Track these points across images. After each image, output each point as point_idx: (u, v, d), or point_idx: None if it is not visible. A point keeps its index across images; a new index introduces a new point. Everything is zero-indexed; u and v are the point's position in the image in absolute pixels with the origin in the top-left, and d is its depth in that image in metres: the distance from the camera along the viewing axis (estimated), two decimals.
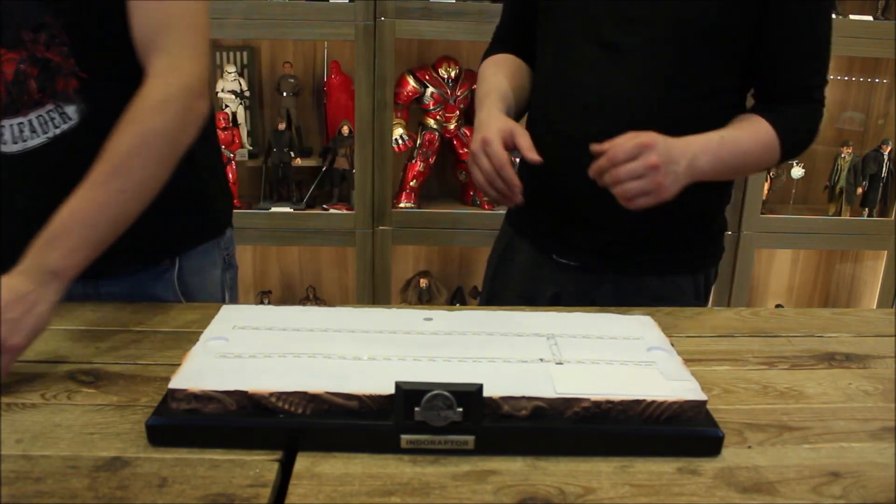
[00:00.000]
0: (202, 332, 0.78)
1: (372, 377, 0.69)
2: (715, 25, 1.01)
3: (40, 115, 0.90)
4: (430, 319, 0.84)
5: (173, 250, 1.04)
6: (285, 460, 0.65)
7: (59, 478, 0.61)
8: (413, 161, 2.13)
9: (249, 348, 0.74)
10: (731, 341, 0.94)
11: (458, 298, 2.32)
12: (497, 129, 1.02)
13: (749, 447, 0.69)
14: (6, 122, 0.90)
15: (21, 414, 0.71)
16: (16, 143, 0.91)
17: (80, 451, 0.65)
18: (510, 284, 1.23)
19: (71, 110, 0.91)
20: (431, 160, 2.14)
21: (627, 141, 0.91)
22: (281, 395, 0.66)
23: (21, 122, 0.90)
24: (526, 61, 1.19)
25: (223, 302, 1.11)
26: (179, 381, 0.67)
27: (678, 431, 0.67)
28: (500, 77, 1.16)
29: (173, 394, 0.67)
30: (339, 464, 0.64)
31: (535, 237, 1.20)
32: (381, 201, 2.05)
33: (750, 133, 1.03)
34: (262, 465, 0.63)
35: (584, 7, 1.06)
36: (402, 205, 2.12)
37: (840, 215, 2.23)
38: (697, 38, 1.02)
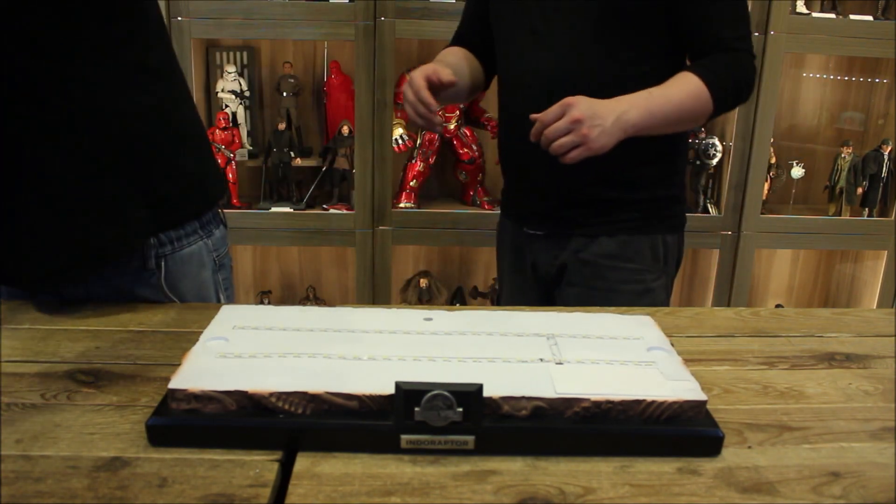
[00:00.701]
0: (202, 332, 0.78)
1: (372, 377, 0.69)
2: (630, 7, 1.17)
3: None
4: (430, 319, 0.84)
5: (159, 250, 0.99)
6: (285, 460, 0.65)
7: (59, 478, 0.61)
8: (413, 161, 2.13)
9: (249, 348, 0.74)
10: (731, 341, 0.94)
11: (458, 298, 2.32)
12: (420, 69, 1.21)
13: (749, 447, 0.69)
14: None
15: (21, 414, 0.71)
16: None
17: (80, 451, 0.65)
18: (505, 262, 1.45)
19: None
20: (431, 160, 2.14)
21: (555, 105, 1.09)
22: (281, 395, 0.66)
23: None
24: (480, 58, 1.39)
25: (219, 303, 1.10)
26: (179, 381, 0.67)
27: (678, 431, 0.67)
28: (444, 53, 1.39)
29: (173, 394, 0.67)
30: (339, 464, 0.64)
31: (512, 214, 1.40)
32: (381, 201, 2.05)
33: (678, 86, 1.16)
34: (262, 465, 0.63)
35: (521, 6, 1.25)
36: (402, 205, 2.12)
37: (840, 215, 2.23)
38: (614, 18, 1.18)
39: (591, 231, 1.29)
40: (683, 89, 1.15)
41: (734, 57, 1.19)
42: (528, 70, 1.25)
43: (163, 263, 1.00)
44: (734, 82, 1.19)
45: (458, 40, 1.44)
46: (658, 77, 1.18)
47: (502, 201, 1.46)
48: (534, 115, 1.11)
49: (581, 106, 1.07)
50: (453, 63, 1.34)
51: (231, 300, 1.13)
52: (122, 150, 0.94)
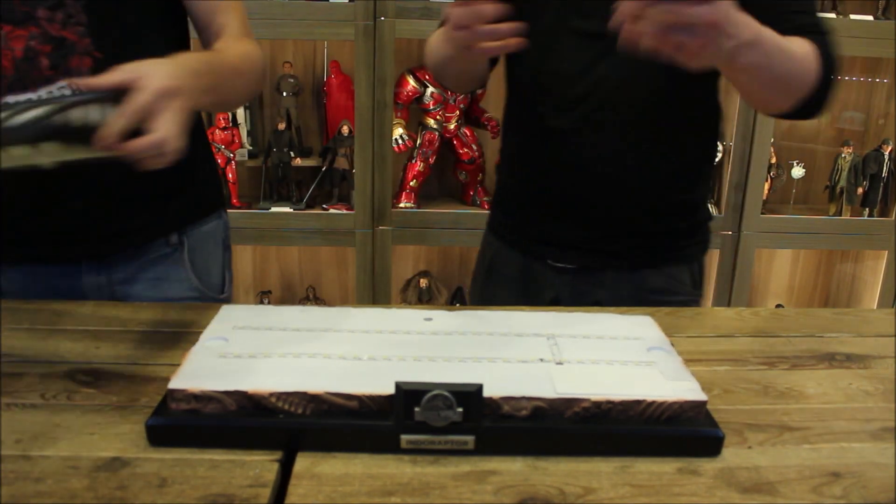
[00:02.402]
0: (202, 332, 0.78)
1: (372, 377, 0.69)
2: None
3: (51, 92, 0.90)
4: (430, 319, 0.84)
5: (180, 225, 1.06)
6: (285, 460, 0.64)
7: (59, 478, 0.61)
8: (413, 161, 2.13)
9: (249, 348, 0.74)
10: (731, 341, 0.94)
11: (458, 298, 2.32)
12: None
13: (749, 447, 0.69)
14: (12, 99, 0.90)
15: (21, 414, 0.71)
16: None
17: (80, 451, 0.65)
18: (502, 298, 1.20)
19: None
20: (431, 160, 2.14)
21: None
22: (281, 395, 0.66)
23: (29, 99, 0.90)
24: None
25: (225, 282, 1.14)
26: (179, 381, 0.67)
27: (678, 431, 0.67)
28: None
29: (173, 394, 0.66)
30: (339, 464, 0.64)
31: (527, 244, 1.17)
32: (381, 201, 2.05)
33: (788, 41, 0.91)
34: (261, 465, 0.63)
35: (564, 0, 1.04)
36: (402, 205, 2.12)
37: (840, 215, 2.23)
38: None
39: (633, 263, 1.12)
40: (793, 44, 0.91)
41: (827, 39, 0.98)
42: (579, 76, 1.04)
43: (185, 239, 1.07)
44: (834, 57, 0.98)
45: None
46: (704, 95, 1.07)
47: (500, 226, 1.23)
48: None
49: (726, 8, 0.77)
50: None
51: (232, 282, 1.17)
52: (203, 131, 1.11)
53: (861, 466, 0.67)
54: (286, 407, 0.66)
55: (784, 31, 0.91)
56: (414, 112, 2.14)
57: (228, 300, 1.15)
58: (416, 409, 0.64)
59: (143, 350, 0.85)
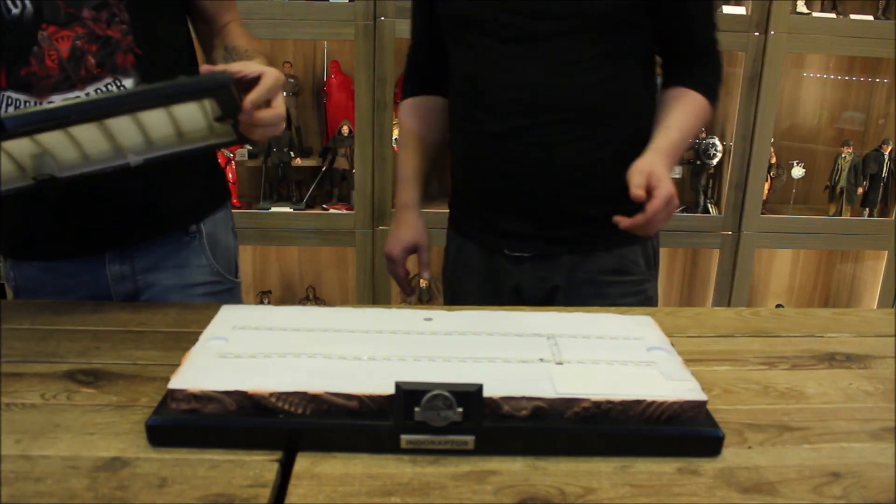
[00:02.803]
0: (202, 332, 0.78)
1: (372, 377, 0.69)
2: (623, 11, 1.10)
3: (98, 89, 0.94)
4: (430, 319, 0.84)
5: (198, 214, 1.10)
6: (285, 460, 0.64)
7: (59, 478, 0.61)
8: None
9: (249, 348, 0.74)
10: (731, 341, 0.94)
11: None
12: (402, 249, 1.27)
13: (749, 447, 0.69)
14: (57, 98, 0.92)
15: (21, 414, 0.71)
16: None
17: (80, 451, 0.65)
18: (470, 288, 1.27)
19: (129, 83, 0.95)
20: None
21: (659, 199, 0.98)
22: (281, 395, 0.66)
23: (77, 97, 0.92)
24: (441, 81, 1.26)
25: (235, 268, 1.18)
26: (179, 381, 0.67)
27: (678, 431, 0.67)
28: (414, 149, 1.32)
29: (173, 394, 0.66)
30: (339, 464, 0.64)
31: (484, 237, 1.24)
32: (381, 201, 2.05)
33: (691, 111, 1.15)
34: (261, 465, 0.63)
35: (493, 9, 1.12)
36: None
37: (840, 215, 2.23)
38: (607, 23, 1.10)
39: (585, 248, 1.19)
40: (693, 111, 1.15)
41: (715, 60, 1.19)
42: (511, 82, 1.12)
43: (202, 226, 1.10)
44: (720, 88, 1.20)
45: (415, 72, 1.33)
46: (634, 84, 1.16)
47: (459, 222, 1.31)
48: (636, 193, 0.99)
49: (663, 175, 1.01)
50: (430, 147, 1.32)
51: (238, 269, 1.20)
52: None
53: (861, 466, 0.67)
54: (286, 407, 0.66)
55: (685, 48, 1.17)
56: None
57: (240, 286, 1.20)
58: (416, 409, 0.64)
59: (143, 350, 0.85)
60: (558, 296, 1.21)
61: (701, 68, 1.17)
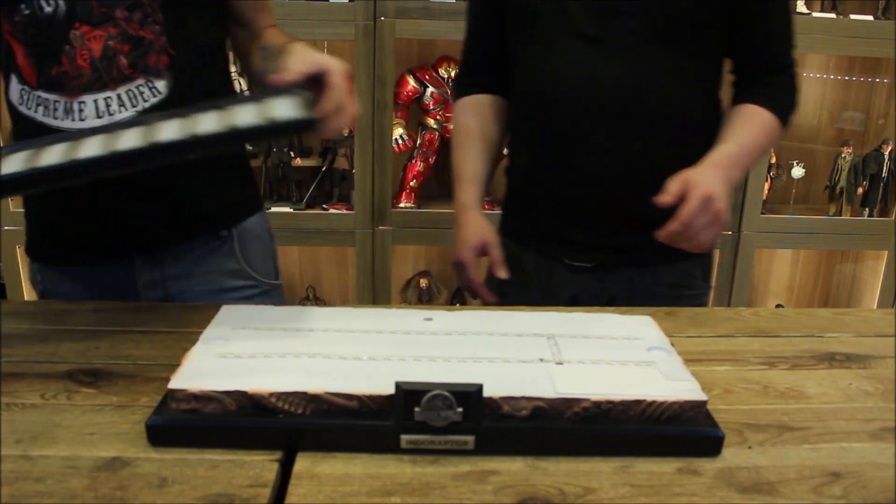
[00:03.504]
0: (202, 332, 0.78)
1: (372, 377, 0.69)
2: (697, 16, 1.06)
3: (130, 90, 0.93)
4: (430, 319, 0.84)
5: (230, 218, 1.08)
6: (285, 460, 0.64)
7: (59, 478, 0.61)
8: (413, 161, 2.13)
9: (249, 348, 0.74)
10: (731, 341, 0.94)
11: (458, 298, 2.31)
12: (472, 251, 1.15)
13: (749, 447, 0.69)
14: (88, 98, 0.91)
15: (21, 414, 0.71)
16: (101, 117, 0.92)
17: (80, 451, 0.65)
18: (524, 296, 1.19)
19: (161, 84, 0.94)
20: (431, 160, 2.14)
21: (693, 200, 0.93)
22: (281, 395, 0.66)
23: (108, 97, 0.92)
24: (500, 79, 1.21)
25: (275, 271, 1.17)
26: (179, 381, 0.67)
27: (678, 431, 0.67)
28: (475, 149, 1.22)
29: (173, 394, 0.66)
30: (339, 464, 0.64)
31: (543, 245, 1.19)
32: (381, 201, 2.05)
33: (757, 128, 1.09)
34: (261, 465, 0.63)
35: (563, 6, 1.08)
36: (401, 205, 2.12)
37: (840, 215, 2.23)
38: (680, 27, 1.06)
39: (647, 260, 1.13)
40: (761, 130, 1.09)
41: (790, 77, 1.13)
42: (580, 84, 1.07)
43: (234, 231, 1.09)
44: (793, 107, 1.14)
45: (471, 72, 1.26)
46: (706, 94, 1.12)
47: (514, 228, 1.25)
48: (662, 199, 0.95)
49: (716, 192, 0.94)
50: (492, 144, 1.23)
51: (279, 274, 1.19)
52: None
53: (861, 466, 0.67)
54: (286, 407, 0.66)
55: (760, 63, 1.11)
56: (414, 112, 2.14)
57: (281, 287, 1.18)
58: (416, 409, 0.64)
59: (143, 350, 0.85)
60: (616, 306, 1.14)
61: (774, 87, 1.12)
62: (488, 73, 1.23)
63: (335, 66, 0.82)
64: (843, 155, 2.20)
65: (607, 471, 0.65)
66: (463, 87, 1.27)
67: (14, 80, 0.95)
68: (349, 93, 0.83)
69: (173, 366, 0.71)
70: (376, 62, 1.93)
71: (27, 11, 0.89)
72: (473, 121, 1.24)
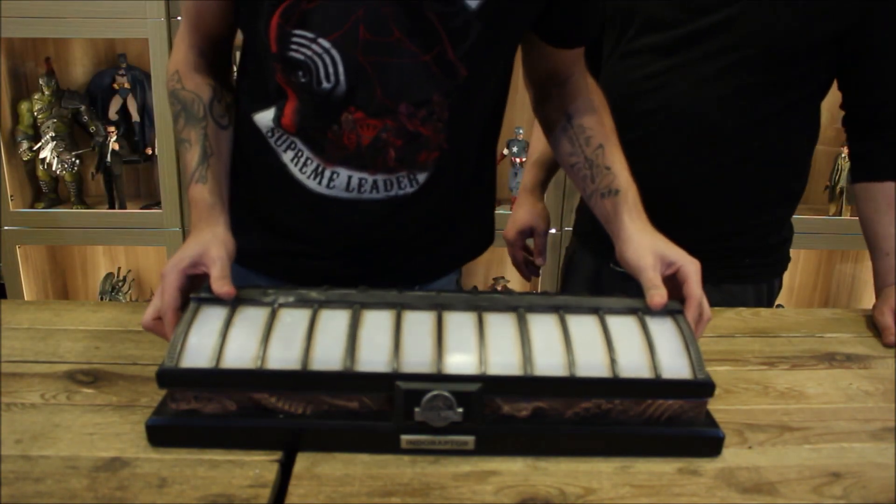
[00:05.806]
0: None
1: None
2: (791, 43, 1.02)
3: (388, 179, 0.87)
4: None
5: (466, 257, 1.05)
6: (285, 461, 0.64)
7: (59, 478, 0.61)
8: None
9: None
10: (731, 341, 0.94)
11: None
12: (517, 232, 1.22)
13: (749, 447, 0.69)
14: (343, 171, 0.86)
15: (21, 414, 0.71)
16: (350, 191, 0.87)
17: (80, 451, 0.65)
18: (576, 291, 1.23)
19: (422, 177, 0.88)
20: None
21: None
22: (281, 395, 0.66)
23: (363, 178, 0.86)
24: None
25: None
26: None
27: (678, 432, 0.67)
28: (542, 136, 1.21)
29: (173, 394, 0.66)
30: (339, 464, 0.64)
31: (596, 246, 1.22)
32: None
33: (882, 224, 1.08)
34: (261, 465, 0.63)
35: (652, 18, 1.07)
36: None
37: (840, 215, 2.23)
38: (772, 53, 1.02)
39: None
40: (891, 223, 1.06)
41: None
42: (652, 96, 1.07)
43: (462, 269, 1.07)
44: None
45: None
46: (791, 130, 1.10)
47: (580, 227, 1.27)
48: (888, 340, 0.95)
49: None
50: (543, 154, 1.23)
51: None
52: None
53: (861, 466, 0.67)
54: (286, 407, 0.66)
55: (870, 115, 1.10)
56: None
57: None
58: (417, 409, 0.64)
59: (143, 350, 0.85)
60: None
61: (888, 145, 1.08)
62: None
63: (693, 272, 0.80)
64: (843, 155, 2.20)
65: (607, 471, 0.65)
66: None
67: (274, 109, 0.86)
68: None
69: None
70: None
71: (304, 80, 0.80)
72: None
